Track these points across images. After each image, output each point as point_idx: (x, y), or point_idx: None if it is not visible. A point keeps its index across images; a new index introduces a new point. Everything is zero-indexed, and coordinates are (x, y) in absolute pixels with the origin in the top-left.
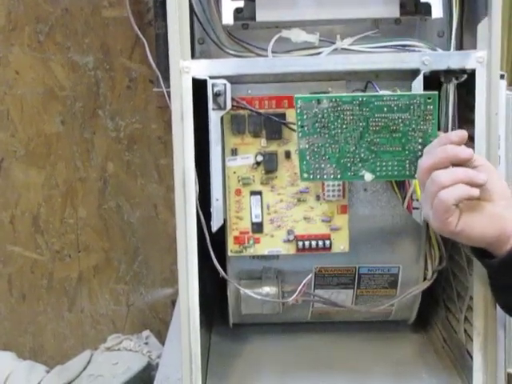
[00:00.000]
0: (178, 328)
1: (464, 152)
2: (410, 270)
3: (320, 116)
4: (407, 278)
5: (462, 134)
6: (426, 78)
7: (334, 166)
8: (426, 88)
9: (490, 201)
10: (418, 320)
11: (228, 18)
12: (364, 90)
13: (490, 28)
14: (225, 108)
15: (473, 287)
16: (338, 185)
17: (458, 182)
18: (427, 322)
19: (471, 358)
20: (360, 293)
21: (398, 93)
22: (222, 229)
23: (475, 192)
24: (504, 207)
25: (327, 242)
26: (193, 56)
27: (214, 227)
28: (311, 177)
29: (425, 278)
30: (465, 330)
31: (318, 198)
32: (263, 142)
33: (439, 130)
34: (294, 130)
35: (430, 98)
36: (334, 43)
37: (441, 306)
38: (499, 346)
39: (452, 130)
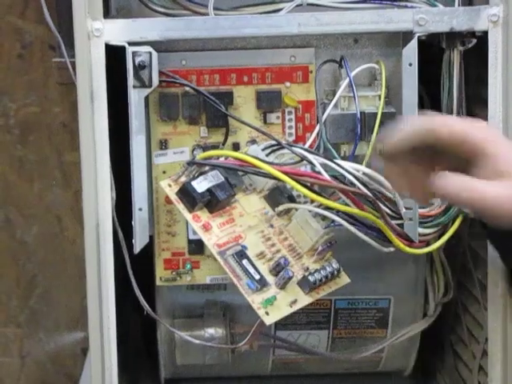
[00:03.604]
0: None
1: None
2: (405, 303)
3: None
4: (401, 315)
5: None
6: (422, 43)
7: None
8: (422, 57)
9: None
10: (416, 371)
11: None
12: (340, 65)
13: None
14: (150, 85)
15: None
16: None
17: None
18: (429, 374)
19: None
20: (337, 334)
21: None
22: (149, 249)
23: None
24: None
25: None
26: (106, 14)
27: (137, 247)
28: None
29: (425, 315)
30: (479, 383)
31: None
32: (203, 130)
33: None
34: (242, 123)
35: None
36: None
37: (447, 351)
38: None
39: (458, 111)
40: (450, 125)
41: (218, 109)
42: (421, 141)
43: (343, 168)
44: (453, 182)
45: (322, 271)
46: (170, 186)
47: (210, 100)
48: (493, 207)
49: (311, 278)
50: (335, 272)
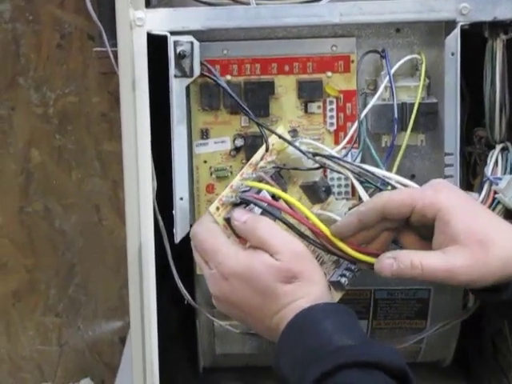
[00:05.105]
0: (129, 375)
1: None
2: (445, 293)
3: None
4: (441, 305)
5: None
6: (464, 32)
7: None
8: (464, 47)
9: None
10: (455, 362)
11: None
12: (382, 56)
13: None
14: (191, 75)
15: None
16: (346, 178)
17: None
18: (469, 365)
19: None
20: (377, 325)
21: None
22: (189, 238)
23: None
24: None
25: None
26: (148, 4)
27: (178, 236)
28: None
29: (465, 306)
30: None
31: None
32: (244, 120)
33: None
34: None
35: None
36: None
37: (487, 342)
38: None
39: (501, 103)
40: (395, 198)
41: (259, 98)
42: (375, 220)
43: (374, 175)
44: (389, 266)
45: (352, 266)
46: (218, 209)
47: (252, 89)
48: (452, 279)
49: (343, 280)
50: None
